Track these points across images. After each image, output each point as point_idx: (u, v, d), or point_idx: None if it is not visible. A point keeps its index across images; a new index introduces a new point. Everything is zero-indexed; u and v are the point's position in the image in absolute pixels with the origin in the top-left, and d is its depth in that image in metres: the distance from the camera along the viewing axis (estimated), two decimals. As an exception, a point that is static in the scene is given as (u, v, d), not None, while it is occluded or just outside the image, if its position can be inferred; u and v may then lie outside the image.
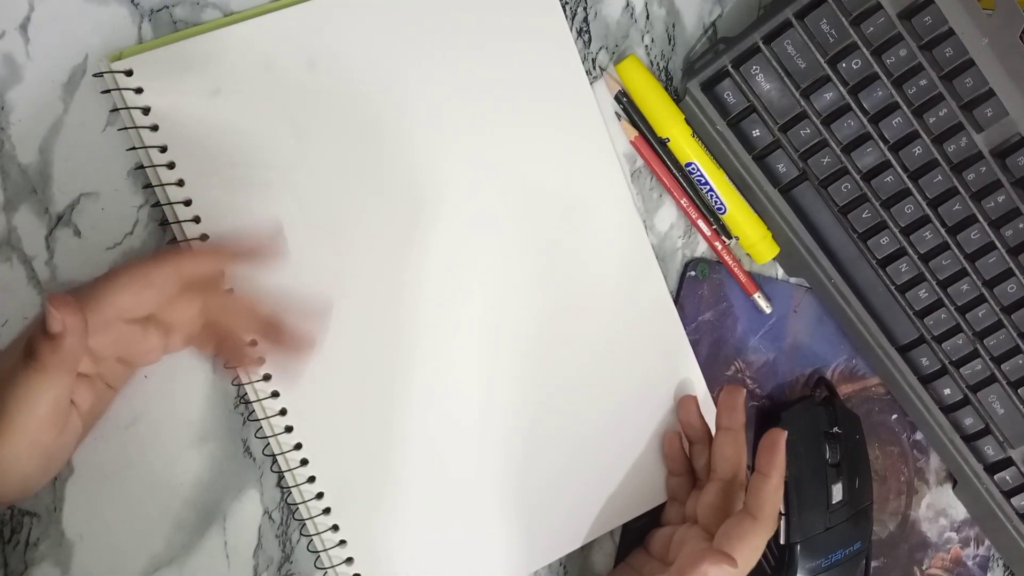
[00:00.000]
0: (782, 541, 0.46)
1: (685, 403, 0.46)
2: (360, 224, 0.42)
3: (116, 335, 0.34)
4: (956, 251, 0.47)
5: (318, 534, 0.41)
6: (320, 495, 0.41)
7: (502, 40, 0.44)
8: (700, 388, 0.47)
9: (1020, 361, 0.48)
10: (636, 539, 0.46)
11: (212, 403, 0.40)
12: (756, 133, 0.45)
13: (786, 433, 0.41)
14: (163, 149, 0.38)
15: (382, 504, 0.42)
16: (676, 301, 0.47)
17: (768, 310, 0.49)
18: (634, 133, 0.46)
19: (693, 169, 0.46)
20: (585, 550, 0.46)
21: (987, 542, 0.55)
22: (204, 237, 0.39)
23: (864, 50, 0.44)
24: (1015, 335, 0.48)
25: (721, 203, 0.47)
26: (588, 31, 0.46)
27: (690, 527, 0.42)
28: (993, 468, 0.50)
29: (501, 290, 0.44)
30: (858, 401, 0.52)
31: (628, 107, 0.46)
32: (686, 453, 0.45)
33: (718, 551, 0.37)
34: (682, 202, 0.47)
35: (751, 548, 0.38)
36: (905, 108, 0.45)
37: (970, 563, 0.55)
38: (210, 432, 0.40)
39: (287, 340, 0.39)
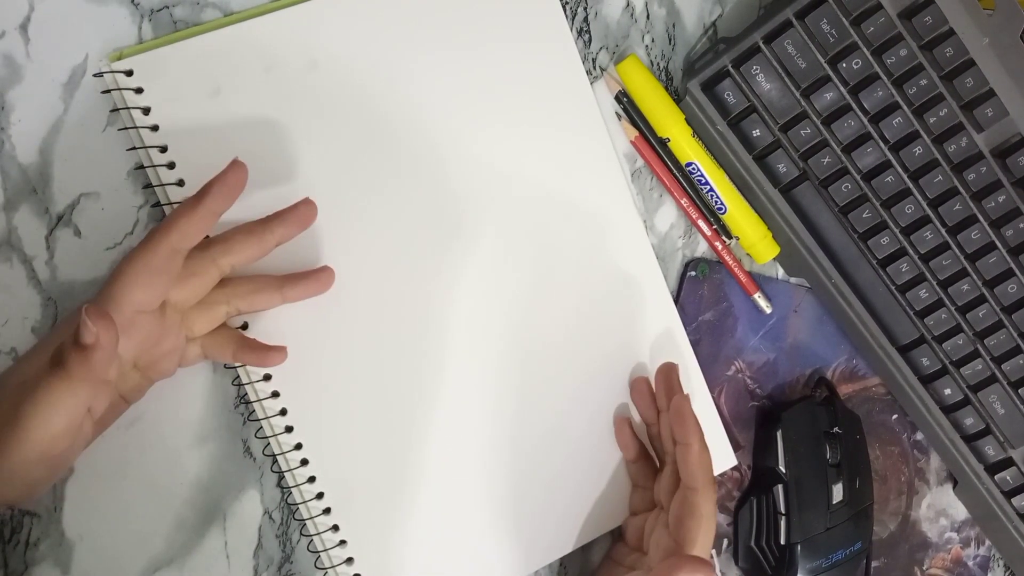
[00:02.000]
0: (782, 541, 0.46)
1: (636, 385, 0.45)
2: (359, 223, 0.42)
3: (139, 334, 0.34)
4: (956, 251, 0.47)
5: (318, 534, 0.41)
6: (320, 495, 0.41)
7: (502, 40, 0.44)
8: (700, 388, 0.47)
9: (1021, 361, 0.48)
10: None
11: (212, 403, 0.40)
12: (756, 133, 0.45)
13: (689, 397, 0.41)
14: (163, 149, 0.38)
15: (382, 504, 0.42)
16: (676, 301, 0.47)
17: (768, 310, 0.49)
18: (634, 133, 0.46)
19: (693, 169, 0.46)
20: (585, 550, 0.46)
21: (988, 542, 0.55)
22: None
23: (864, 50, 0.44)
24: (1015, 335, 0.48)
25: (721, 203, 0.47)
26: (588, 31, 0.46)
27: (658, 513, 0.42)
28: (994, 468, 0.50)
29: (501, 290, 0.44)
30: (858, 401, 0.52)
31: (628, 107, 0.46)
32: (638, 438, 0.45)
33: (691, 558, 0.36)
34: (682, 202, 0.47)
35: (704, 519, 0.38)
36: (905, 108, 0.45)
37: (971, 563, 0.55)
38: (210, 432, 0.40)
39: (310, 280, 0.39)
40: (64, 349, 0.30)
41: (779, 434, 0.47)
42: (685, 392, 0.42)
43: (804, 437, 0.47)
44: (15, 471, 0.31)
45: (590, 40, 0.46)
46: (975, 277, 0.47)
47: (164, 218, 0.36)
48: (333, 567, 0.41)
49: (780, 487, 0.47)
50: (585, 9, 0.46)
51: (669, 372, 0.43)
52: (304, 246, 0.40)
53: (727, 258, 0.48)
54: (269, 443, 0.40)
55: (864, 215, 0.46)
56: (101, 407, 0.34)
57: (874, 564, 0.52)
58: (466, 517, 0.43)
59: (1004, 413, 0.49)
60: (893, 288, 0.47)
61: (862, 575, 0.50)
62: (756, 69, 0.44)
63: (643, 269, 0.46)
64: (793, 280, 0.50)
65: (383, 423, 0.42)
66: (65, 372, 0.30)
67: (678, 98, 0.47)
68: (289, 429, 0.40)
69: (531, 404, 0.44)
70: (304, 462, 0.40)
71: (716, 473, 0.48)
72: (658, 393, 0.44)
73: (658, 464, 0.45)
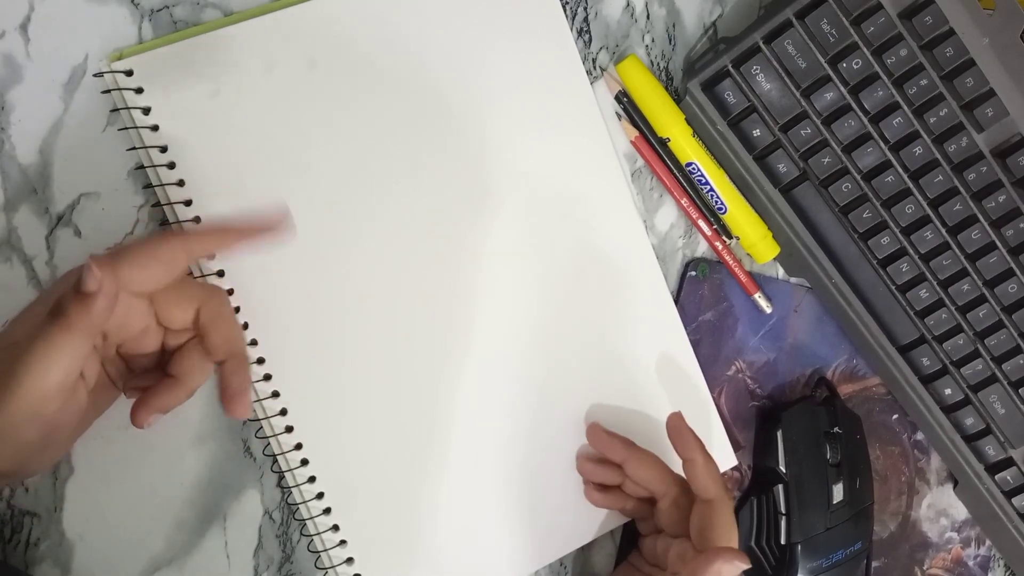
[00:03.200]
0: (783, 541, 0.46)
1: (591, 431, 0.44)
2: (359, 223, 0.42)
3: (121, 310, 0.33)
4: (957, 251, 0.47)
5: (318, 534, 0.41)
6: (320, 495, 0.41)
7: (502, 40, 0.44)
8: (700, 388, 0.47)
9: (1021, 361, 0.48)
10: (636, 538, 0.46)
11: (212, 403, 0.40)
12: (756, 133, 0.45)
13: (680, 413, 0.41)
14: (163, 149, 0.38)
15: (383, 504, 0.42)
16: (676, 301, 0.47)
17: (768, 310, 0.49)
18: (634, 133, 0.46)
19: (693, 169, 0.46)
20: (585, 550, 0.46)
21: (988, 542, 0.55)
22: (204, 237, 0.39)
23: (864, 50, 0.44)
24: (1016, 335, 0.48)
25: (721, 203, 0.47)
26: (588, 31, 0.46)
27: (663, 537, 0.42)
28: (994, 468, 0.50)
29: (501, 290, 0.44)
30: (859, 401, 0.52)
31: (628, 107, 0.46)
32: (605, 472, 0.44)
33: (726, 549, 0.37)
34: (682, 202, 0.47)
35: (726, 528, 0.38)
36: (905, 108, 0.45)
37: (971, 563, 0.55)
38: (210, 432, 0.40)
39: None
40: (65, 299, 0.30)
41: (779, 434, 0.47)
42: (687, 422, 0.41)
43: (804, 437, 0.47)
44: (4, 431, 0.31)
45: (590, 40, 0.46)
46: (975, 277, 0.47)
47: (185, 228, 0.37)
48: (333, 567, 0.41)
49: (780, 487, 0.47)
50: (585, 9, 0.46)
51: (676, 424, 0.41)
52: (305, 246, 0.40)
53: (727, 258, 0.48)
54: (269, 443, 0.40)
55: (864, 215, 0.46)
56: (93, 375, 0.34)
57: (874, 564, 0.52)
58: (466, 517, 0.43)
59: (1004, 413, 0.49)
60: (893, 288, 0.47)
61: (862, 575, 0.50)
62: (756, 69, 0.44)
63: (643, 269, 0.46)
64: (793, 280, 0.50)
65: (383, 423, 0.42)
66: (66, 320, 0.30)
67: (678, 98, 0.47)
68: (289, 429, 0.40)
69: (530, 404, 0.44)
70: (304, 462, 0.40)
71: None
72: (675, 446, 0.42)
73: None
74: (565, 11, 0.45)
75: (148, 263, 0.34)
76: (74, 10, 0.38)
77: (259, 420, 0.40)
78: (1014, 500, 0.50)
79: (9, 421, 0.31)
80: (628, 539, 0.47)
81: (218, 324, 0.36)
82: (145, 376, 0.37)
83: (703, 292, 0.48)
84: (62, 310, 0.30)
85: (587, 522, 0.45)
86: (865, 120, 0.45)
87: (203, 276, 0.39)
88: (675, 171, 0.47)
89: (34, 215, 0.38)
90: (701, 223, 0.47)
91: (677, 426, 0.41)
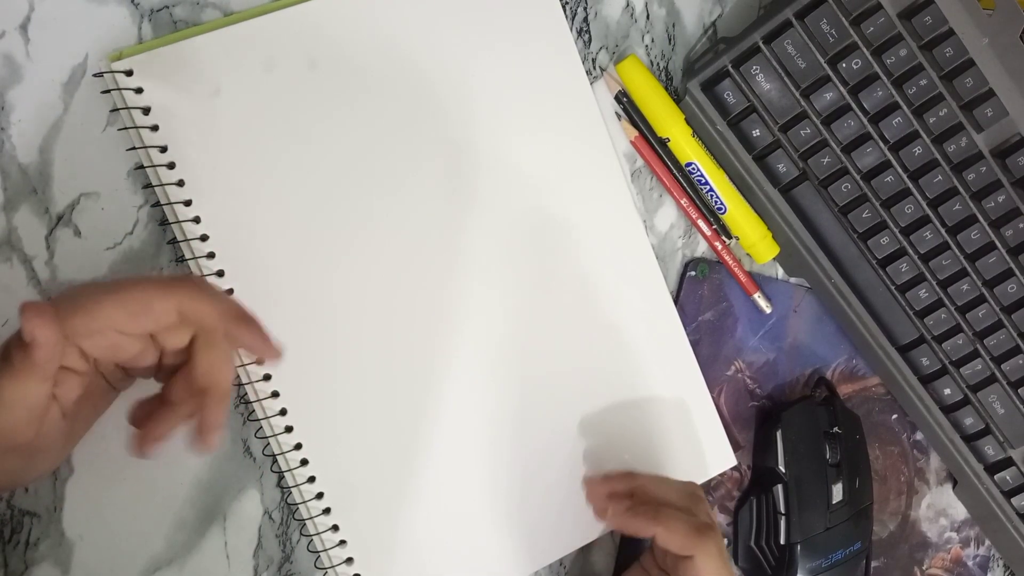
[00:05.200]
0: (782, 541, 0.46)
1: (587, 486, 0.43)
2: (359, 223, 0.42)
3: (109, 343, 0.33)
4: (956, 251, 0.47)
5: (318, 534, 0.41)
6: (320, 495, 0.41)
7: (502, 40, 0.44)
8: (700, 388, 0.47)
9: (1020, 361, 0.48)
10: (636, 539, 0.46)
11: (212, 403, 0.40)
12: (756, 133, 0.45)
13: (608, 513, 0.40)
14: (163, 149, 0.38)
15: (382, 504, 0.42)
16: (676, 301, 0.47)
17: (768, 310, 0.49)
18: (634, 133, 0.46)
19: (693, 169, 0.46)
20: (585, 550, 0.46)
21: (987, 542, 0.55)
22: (204, 238, 0.39)
23: (864, 50, 0.44)
24: (1015, 335, 0.48)
25: (721, 203, 0.47)
26: (588, 31, 0.46)
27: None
28: (993, 468, 0.50)
29: (500, 290, 0.44)
30: (858, 401, 0.52)
31: (628, 107, 0.46)
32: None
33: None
34: (682, 202, 0.47)
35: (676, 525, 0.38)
36: (905, 108, 0.45)
37: (970, 563, 0.55)
38: (210, 432, 0.40)
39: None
40: (11, 344, 0.30)
41: (779, 434, 0.47)
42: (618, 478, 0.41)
43: (804, 437, 0.47)
44: None
45: (590, 40, 0.46)
46: (975, 277, 0.47)
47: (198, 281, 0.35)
48: (333, 567, 0.41)
49: (780, 487, 0.47)
50: (585, 9, 0.46)
51: (617, 522, 0.41)
52: (304, 247, 0.40)
53: (727, 258, 0.48)
54: (269, 443, 0.40)
55: (864, 215, 0.46)
56: (71, 393, 0.33)
57: (874, 564, 0.52)
58: (466, 517, 0.43)
59: (1004, 413, 0.49)
60: (893, 288, 0.47)
61: (862, 575, 0.50)
62: (756, 69, 0.44)
63: (643, 269, 0.46)
64: (793, 280, 0.50)
65: (383, 423, 0.42)
66: (10, 367, 0.30)
67: (678, 98, 0.47)
68: (289, 429, 0.40)
69: (531, 404, 0.44)
70: (304, 462, 0.40)
71: (716, 473, 0.48)
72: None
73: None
74: (565, 11, 0.45)
75: (138, 312, 0.32)
76: (74, 10, 0.38)
77: (259, 420, 0.40)
78: (1013, 500, 0.50)
79: None
80: (628, 540, 0.47)
81: (207, 354, 0.34)
82: (145, 404, 0.35)
83: (703, 292, 0.48)
84: (7, 355, 0.30)
85: (587, 523, 0.45)
86: (865, 120, 0.45)
87: (203, 276, 0.39)
88: (675, 171, 0.47)
89: (34, 215, 0.38)
90: (701, 223, 0.47)
91: (619, 524, 0.40)
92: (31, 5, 0.38)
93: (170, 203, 0.38)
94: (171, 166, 0.38)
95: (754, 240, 0.47)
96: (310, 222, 0.41)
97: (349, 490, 0.41)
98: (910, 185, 0.46)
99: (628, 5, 0.46)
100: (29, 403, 0.31)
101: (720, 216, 0.47)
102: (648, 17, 0.47)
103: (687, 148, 0.46)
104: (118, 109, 0.38)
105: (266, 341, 0.35)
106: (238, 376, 0.40)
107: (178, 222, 0.39)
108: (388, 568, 0.42)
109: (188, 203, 0.39)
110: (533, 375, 0.44)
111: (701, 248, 0.48)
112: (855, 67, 0.44)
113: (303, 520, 0.41)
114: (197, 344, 0.34)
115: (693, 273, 0.48)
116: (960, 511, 0.54)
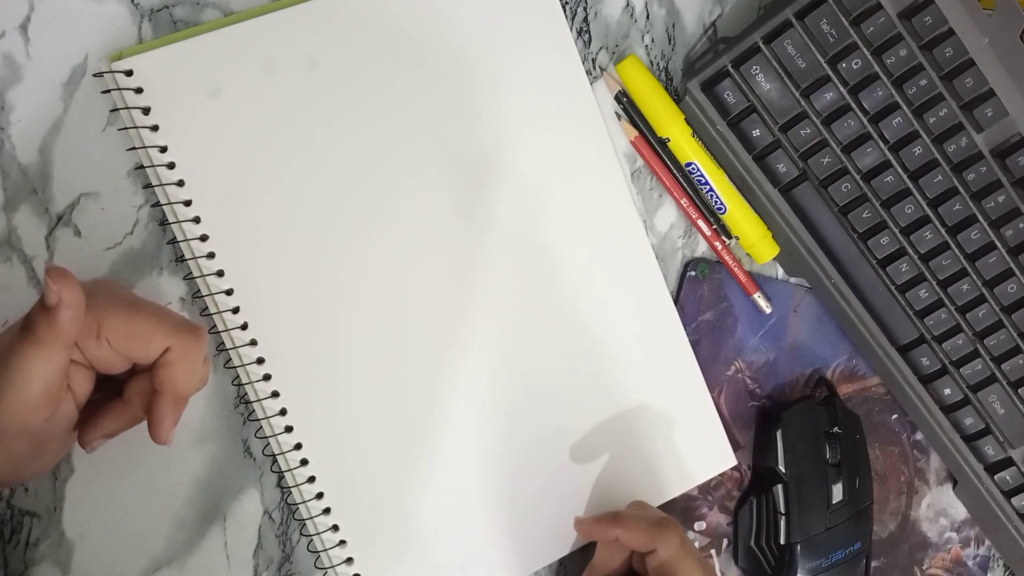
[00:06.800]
0: (782, 541, 0.46)
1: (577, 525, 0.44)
2: (359, 224, 0.42)
3: (100, 353, 0.34)
4: (956, 251, 0.47)
5: (318, 534, 0.41)
6: (320, 495, 0.41)
7: (502, 40, 0.44)
8: (700, 388, 0.47)
9: (1020, 361, 0.48)
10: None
11: (212, 403, 0.40)
12: (756, 133, 0.45)
13: (581, 522, 0.42)
14: (163, 149, 0.38)
15: (382, 504, 0.42)
16: (676, 301, 0.47)
17: (768, 310, 0.49)
18: (634, 133, 0.46)
19: (693, 169, 0.46)
20: (585, 550, 0.46)
21: (987, 542, 0.55)
22: (204, 238, 0.39)
23: (864, 50, 0.44)
24: (1015, 335, 0.48)
25: (721, 203, 0.47)
26: (588, 31, 0.46)
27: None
28: (993, 468, 0.50)
29: (500, 290, 0.44)
30: (858, 401, 0.52)
31: (628, 107, 0.46)
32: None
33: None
34: (682, 202, 0.47)
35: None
36: (905, 108, 0.45)
37: (970, 563, 0.55)
38: (210, 432, 0.40)
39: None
40: (32, 313, 0.30)
41: (779, 434, 0.47)
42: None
43: (804, 437, 0.47)
44: None
45: (590, 40, 0.46)
46: (975, 277, 0.47)
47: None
48: (333, 567, 0.41)
49: (780, 487, 0.47)
50: (585, 9, 0.46)
51: (584, 529, 0.43)
52: (305, 247, 0.40)
53: (727, 258, 0.48)
54: (269, 443, 0.40)
55: (864, 215, 0.46)
56: (83, 387, 0.34)
57: (874, 564, 0.52)
58: (466, 516, 0.43)
59: (1004, 413, 0.49)
60: (893, 288, 0.47)
61: (862, 575, 0.50)
62: (756, 69, 0.44)
63: (643, 269, 0.46)
64: (793, 280, 0.50)
65: (383, 423, 0.42)
66: (34, 336, 0.30)
67: (678, 98, 0.47)
68: (289, 429, 0.40)
69: (531, 404, 0.44)
70: (304, 462, 0.40)
71: (716, 473, 0.48)
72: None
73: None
74: (565, 11, 0.45)
75: (138, 332, 0.33)
76: (74, 10, 0.38)
77: (259, 420, 0.40)
78: (1013, 500, 0.50)
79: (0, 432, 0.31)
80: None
81: (176, 368, 0.34)
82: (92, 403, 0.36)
83: (703, 292, 0.48)
84: (28, 325, 0.30)
85: (587, 522, 0.45)
86: (865, 120, 0.45)
87: (203, 276, 0.39)
88: (675, 171, 0.47)
89: (34, 215, 0.38)
90: (701, 223, 0.47)
91: (585, 531, 0.42)
92: (31, 5, 0.38)
93: (170, 203, 0.38)
94: (171, 166, 0.38)
95: (754, 240, 0.47)
96: (310, 222, 0.41)
97: (349, 490, 0.41)
98: (910, 185, 0.46)
99: (628, 5, 0.46)
100: (49, 377, 0.31)
101: (720, 216, 0.47)
102: (648, 17, 0.47)
103: (687, 148, 0.46)
104: (118, 109, 0.38)
105: (163, 422, 0.34)
106: (238, 376, 0.40)
107: (178, 222, 0.39)
108: (388, 568, 0.42)
109: (188, 203, 0.39)
110: (533, 375, 0.44)
111: (701, 248, 0.48)
112: (855, 67, 0.44)
113: (303, 520, 0.41)
114: (171, 356, 0.34)
115: (693, 273, 0.48)
116: (960, 511, 0.54)
